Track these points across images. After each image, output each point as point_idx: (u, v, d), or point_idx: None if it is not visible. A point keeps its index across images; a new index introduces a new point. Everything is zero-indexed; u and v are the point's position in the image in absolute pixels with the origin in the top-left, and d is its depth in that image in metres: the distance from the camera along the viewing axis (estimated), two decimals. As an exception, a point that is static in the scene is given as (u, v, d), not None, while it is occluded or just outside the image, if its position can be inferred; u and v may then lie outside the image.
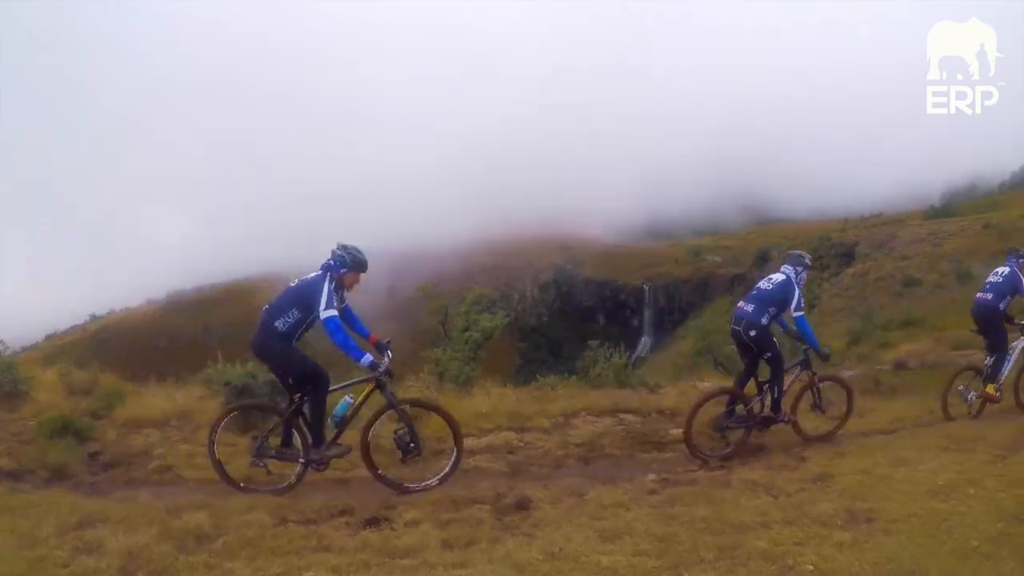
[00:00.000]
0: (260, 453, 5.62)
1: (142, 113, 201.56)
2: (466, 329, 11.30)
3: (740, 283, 67.98)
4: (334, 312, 5.38)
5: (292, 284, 5.65)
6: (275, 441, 5.72)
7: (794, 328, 7.06)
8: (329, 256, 5.65)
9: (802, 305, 6.89)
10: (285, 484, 5.65)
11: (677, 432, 8.02)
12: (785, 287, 6.89)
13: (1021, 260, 8.17)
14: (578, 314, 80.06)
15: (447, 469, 5.87)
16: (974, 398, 8.23)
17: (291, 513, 4.99)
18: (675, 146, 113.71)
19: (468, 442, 6.62)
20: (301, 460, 5.66)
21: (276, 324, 5.50)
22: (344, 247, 5.69)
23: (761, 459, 6.75)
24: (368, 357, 5.47)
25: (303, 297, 5.49)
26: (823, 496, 5.18)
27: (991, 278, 8.28)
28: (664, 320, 74.67)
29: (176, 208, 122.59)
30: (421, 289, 13.39)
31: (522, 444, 7.27)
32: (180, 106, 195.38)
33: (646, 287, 77.10)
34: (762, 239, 75.12)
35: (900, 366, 16.95)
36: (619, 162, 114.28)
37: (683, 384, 13.99)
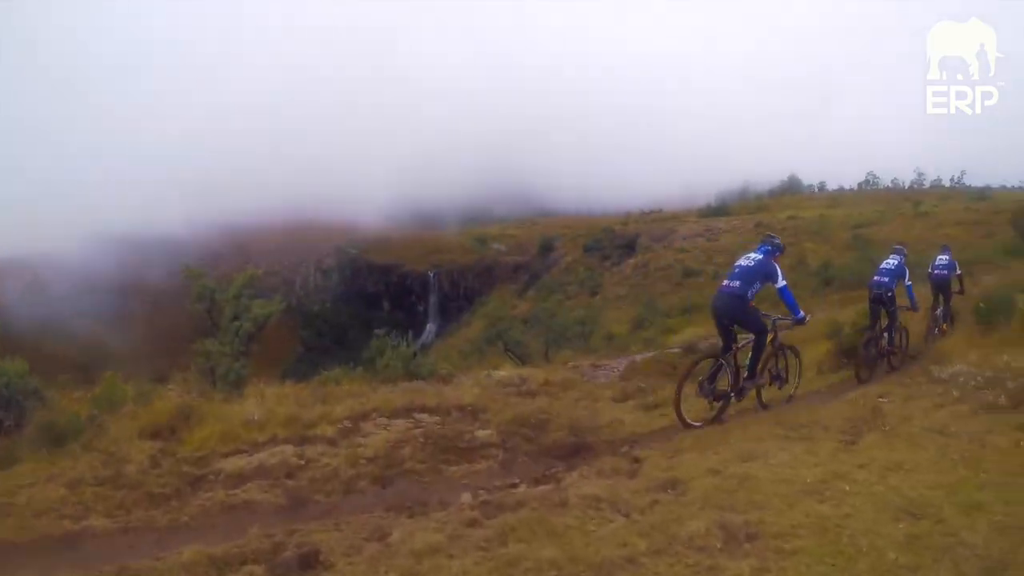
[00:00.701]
0: (708, 392, 7.24)
1: None
2: (236, 318, 9.70)
3: (524, 271, 70.29)
4: (786, 282, 7.38)
5: (747, 264, 7.36)
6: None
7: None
8: (765, 242, 7.62)
9: (909, 277, 10.56)
10: (712, 416, 7.34)
11: (484, 434, 6.91)
12: (900, 266, 10.56)
13: (949, 249, 12.55)
14: (363, 300, 78.34)
15: (790, 394, 8.31)
16: (939, 333, 11.95)
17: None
18: (443, 140, 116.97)
19: (235, 462, 6.04)
20: (730, 393, 7.38)
21: (749, 293, 7.24)
22: (776, 236, 7.89)
23: (590, 463, 5.79)
24: (802, 314, 7.58)
25: (763, 273, 7.33)
26: (683, 509, 4.26)
27: (938, 262, 12.25)
28: (449, 306, 75.08)
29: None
30: (184, 271, 11.55)
31: (303, 463, 5.96)
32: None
33: (431, 274, 76.84)
34: (545, 229, 78.75)
35: (689, 349, 17.81)
36: (390, 153, 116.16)
37: (476, 373, 13.19)
